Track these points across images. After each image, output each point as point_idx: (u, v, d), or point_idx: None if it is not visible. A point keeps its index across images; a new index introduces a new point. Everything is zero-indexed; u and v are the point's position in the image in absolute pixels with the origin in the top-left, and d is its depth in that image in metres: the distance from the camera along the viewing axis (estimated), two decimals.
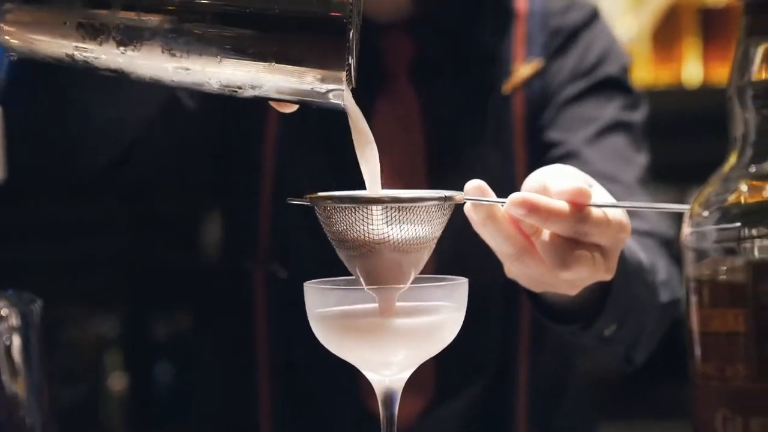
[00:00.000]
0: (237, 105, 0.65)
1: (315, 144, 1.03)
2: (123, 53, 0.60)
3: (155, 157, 1.08)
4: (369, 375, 0.65)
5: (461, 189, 0.66)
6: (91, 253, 1.69)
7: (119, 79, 0.62)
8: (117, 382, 1.69)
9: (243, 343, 1.08)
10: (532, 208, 0.63)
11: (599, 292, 0.77)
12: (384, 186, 0.66)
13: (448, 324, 0.64)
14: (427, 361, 0.66)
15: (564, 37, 1.07)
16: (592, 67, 1.06)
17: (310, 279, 0.66)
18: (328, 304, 0.64)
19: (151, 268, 1.70)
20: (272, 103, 0.64)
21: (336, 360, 0.67)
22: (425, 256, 0.65)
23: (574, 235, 0.65)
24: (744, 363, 0.47)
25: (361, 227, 0.62)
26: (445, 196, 0.64)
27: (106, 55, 0.60)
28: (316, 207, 0.64)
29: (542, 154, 1.02)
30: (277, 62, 0.59)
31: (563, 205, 0.64)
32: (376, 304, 0.64)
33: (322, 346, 0.66)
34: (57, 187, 1.41)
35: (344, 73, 0.60)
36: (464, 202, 0.66)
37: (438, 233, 0.65)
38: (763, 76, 0.50)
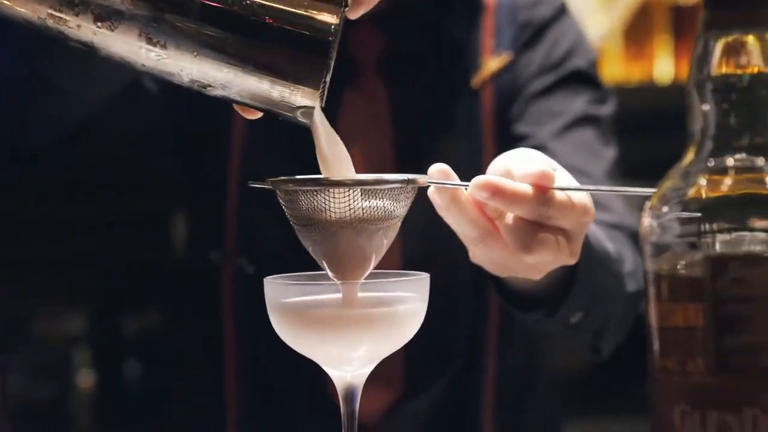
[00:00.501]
0: (204, 99, 0.64)
1: (282, 140, 1.02)
2: (98, 28, 0.59)
3: (115, 140, 1.07)
4: (330, 371, 0.64)
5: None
6: (60, 249, 1.68)
7: (87, 53, 0.61)
8: (85, 379, 1.68)
9: (211, 338, 1.08)
10: (496, 191, 0.63)
11: (565, 280, 0.77)
12: None
13: (411, 315, 0.64)
14: (395, 354, 0.66)
15: (533, 31, 1.07)
16: (561, 60, 1.06)
17: (278, 271, 0.65)
18: (289, 297, 0.63)
19: (120, 265, 1.69)
20: (236, 107, 0.63)
21: (302, 355, 0.66)
22: (388, 241, 0.65)
23: (538, 218, 0.65)
24: (702, 358, 0.47)
25: (323, 211, 0.62)
26: (408, 179, 0.63)
27: (80, 26, 0.59)
28: (277, 191, 0.64)
29: (511, 148, 1.02)
30: (255, 68, 0.59)
31: (527, 188, 0.64)
32: (338, 295, 0.63)
33: None
34: (18, 182, 1.39)
35: (319, 92, 0.59)
36: (428, 186, 0.66)
37: (401, 217, 0.65)
38: (723, 70, 0.50)
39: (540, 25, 1.07)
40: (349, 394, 0.64)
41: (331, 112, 0.63)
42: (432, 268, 0.68)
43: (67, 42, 0.60)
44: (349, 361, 0.63)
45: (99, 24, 0.59)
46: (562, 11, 1.09)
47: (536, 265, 0.69)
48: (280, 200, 0.64)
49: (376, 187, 0.62)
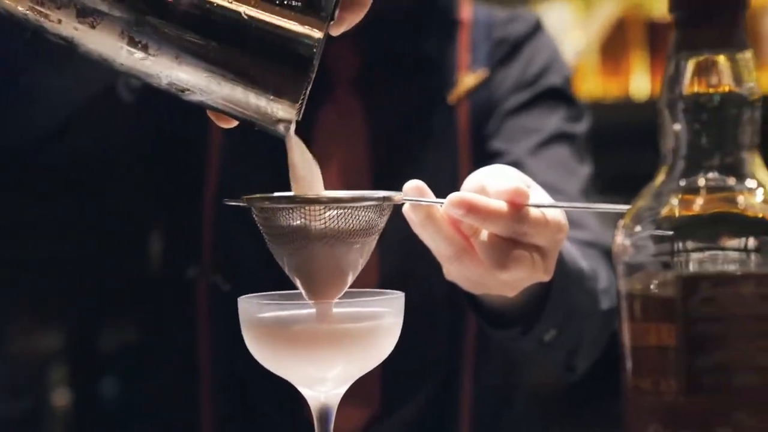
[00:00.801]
0: (181, 108, 0.63)
1: (259, 149, 1.02)
2: (80, 23, 0.58)
3: (90, 149, 1.06)
4: (304, 391, 0.64)
5: None
6: (34, 262, 1.66)
7: (68, 48, 0.60)
8: (60, 396, 1.66)
9: (186, 355, 1.07)
10: (471, 208, 0.63)
11: (539, 298, 0.77)
12: None
13: (386, 331, 0.63)
14: (371, 372, 0.65)
15: (508, 47, 1.07)
16: (536, 77, 1.07)
17: (254, 289, 0.65)
18: (262, 314, 0.63)
19: (95, 279, 1.67)
20: (211, 115, 0.62)
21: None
22: (363, 259, 0.64)
23: (513, 235, 0.65)
24: (675, 378, 0.47)
25: (299, 228, 0.62)
26: (384, 197, 0.63)
27: (62, 21, 0.58)
28: (253, 208, 0.63)
29: (486, 164, 1.02)
30: (235, 77, 0.58)
31: (501, 205, 0.64)
32: (312, 311, 0.63)
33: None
34: None
35: (297, 105, 0.59)
36: (403, 203, 0.65)
37: (377, 234, 0.64)
38: (694, 89, 0.50)
39: (515, 42, 1.08)
40: (324, 414, 0.63)
41: (307, 125, 0.63)
42: (408, 285, 0.68)
43: (46, 35, 0.59)
44: (323, 380, 0.63)
45: (81, 19, 0.58)
46: (537, 28, 1.10)
47: (511, 282, 0.69)
48: (255, 218, 0.64)
49: (352, 204, 0.62)
